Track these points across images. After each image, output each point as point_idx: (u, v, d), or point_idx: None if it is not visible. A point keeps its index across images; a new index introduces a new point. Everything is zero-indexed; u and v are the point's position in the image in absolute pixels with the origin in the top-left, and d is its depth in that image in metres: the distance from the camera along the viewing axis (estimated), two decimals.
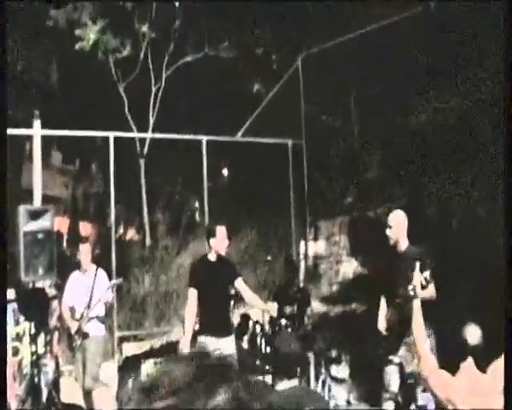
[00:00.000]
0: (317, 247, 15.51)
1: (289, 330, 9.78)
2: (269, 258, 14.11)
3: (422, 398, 8.24)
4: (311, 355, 10.20)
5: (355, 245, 14.63)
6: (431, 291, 8.02)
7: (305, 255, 15.30)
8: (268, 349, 9.76)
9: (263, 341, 9.81)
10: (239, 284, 9.07)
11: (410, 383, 8.26)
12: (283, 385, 5.44)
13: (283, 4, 15.34)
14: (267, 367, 9.52)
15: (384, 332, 8.67)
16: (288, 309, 10.41)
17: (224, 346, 8.60)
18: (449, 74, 12.85)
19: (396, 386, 8.36)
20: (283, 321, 9.83)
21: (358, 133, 15.32)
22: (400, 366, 8.35)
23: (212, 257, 9.11)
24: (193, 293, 8.94)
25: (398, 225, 8.67)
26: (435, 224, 13.02)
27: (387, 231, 8.67)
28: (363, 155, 15.16)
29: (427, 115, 13.78)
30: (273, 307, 9.46)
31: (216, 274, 9.00)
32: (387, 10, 13.49)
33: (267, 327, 10.18)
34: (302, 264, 15.24)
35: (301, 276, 14.98)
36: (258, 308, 9.32)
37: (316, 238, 15.60)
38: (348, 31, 14.18)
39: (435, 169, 13.00)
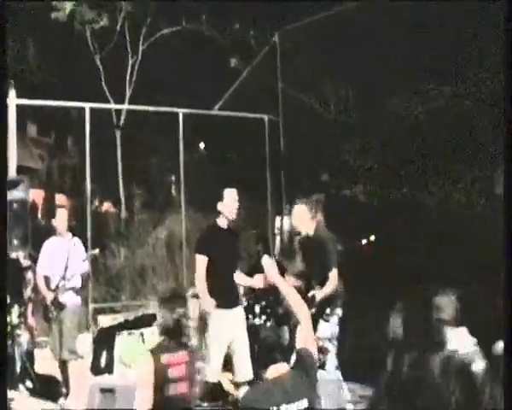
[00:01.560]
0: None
1: (263, 303, 9.84)
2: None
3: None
4: (285, 330, 10.27)
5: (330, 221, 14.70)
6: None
7: (281, 230, 15.35)
8: None
9: None
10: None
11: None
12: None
13: None
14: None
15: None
16: None
17: (235, 317, 8.52)
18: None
19: None
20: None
21: (335, 111, 15.35)
22: None
23: (221, 223, 8.49)
24: (202, 260, 8.39)
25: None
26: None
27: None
28: (340, 133, 15.20)
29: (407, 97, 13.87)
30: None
31: (227, 243, 8.52)
32: None
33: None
34: (278, 239, 15.30)
35: (276, 251, 15.05)
36: (243, 284, 9.09)
37: (291, 214, 15.64)
38: (326, 7, 14.18)
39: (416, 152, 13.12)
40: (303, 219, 9.15)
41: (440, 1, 12.61)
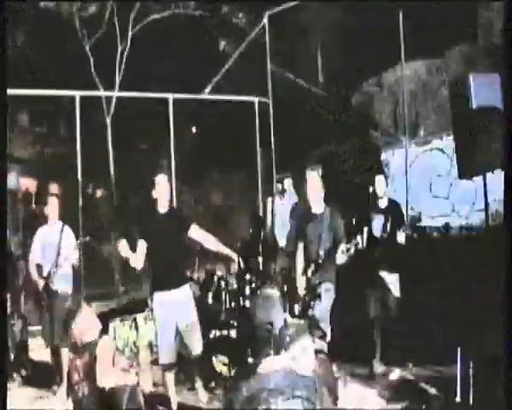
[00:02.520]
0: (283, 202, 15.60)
1: (253, 285, 9.87)
2: (234, 215, 14.16)
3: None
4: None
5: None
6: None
7: (272, 212, 15.38)
8: (233, 304, 9.84)
9: (227, 296, 9.88)
10: (193, 231, 8.83)
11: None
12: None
13: None
14: (232, 322, 9.60)
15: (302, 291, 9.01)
16: (252, 264, 10.51)
17: (178, 296, 8.62)
18: None
19: None
20: (248, 276, 9.91)
21: (324, 92, 15.40)
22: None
23: (160, 209, 8.84)
24: (142, 244, 8.70)
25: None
26: None
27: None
28: (329, 113, 15.25)
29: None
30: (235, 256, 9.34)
31: (164, 227, 8.76)
32: None
33: (232, 282, 10.24)
34: (269, 220, 15.32)
35: (267, 231, 15.08)
36: (221, 252, 9.11)
37: (282, 195, 15.68)
38: None
39: None
40: (318, 187, 9.14)
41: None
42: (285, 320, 8.74)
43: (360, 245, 8.92)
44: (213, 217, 16.54)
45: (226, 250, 8.97)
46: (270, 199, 15.33)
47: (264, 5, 15.45)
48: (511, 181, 5.87)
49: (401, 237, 9.26)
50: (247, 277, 9.94)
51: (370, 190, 9.74)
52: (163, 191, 8.72)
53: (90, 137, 14.94)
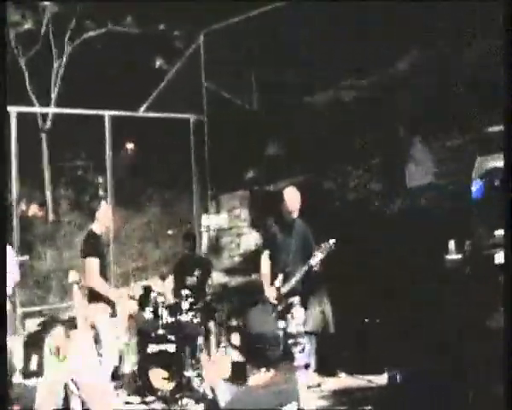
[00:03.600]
0: (218, 220, 15.78)
1: (190, 300, 10.01)
2: (170, 232, 14.27)
3: (299, 358, 8.83)
4: (212, 325, 10.50)
5: (255, 218, 14.98)
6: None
7: (208, 228, 15.56)
8: (170, 319, 9.97)
9: (165, 311, 10.02)
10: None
11: (290, 343, 8.81)
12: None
13: None
14: (170, 337, 9.74)
15: (273, 301, 9.19)
16: (188, 280, 10.65)
17: None
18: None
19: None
20: (184, 292, 10.05)
21: (259, 109, 15.60)
22: (284, 330, 8.89)
23: (97, 230, 9.66)
24: (95, 261, 9.38)
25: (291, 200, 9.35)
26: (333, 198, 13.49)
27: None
28: (264, 130, 15.45)
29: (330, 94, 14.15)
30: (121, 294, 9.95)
31: (102, 248, 9.71)
32: None
33: (169, 298, 10.39)
34: (204, 237, 15.51)
35: (203, 248, 15.25)
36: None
37: (218, 212, 15.87)
38: (251, 8, 14.42)
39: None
40: (295, 201, 9.37)
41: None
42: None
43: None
44: (149, 233, 16.64)
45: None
46: (204, 215, 15.54)
47: (200, 23, 15.63)
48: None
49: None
50: (183, 292, 10.09)
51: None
52: (106, 215, 9.35)
53: (23, 153, 14.90)
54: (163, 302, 10.14)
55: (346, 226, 11.37)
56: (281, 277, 9.22)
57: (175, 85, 15.61)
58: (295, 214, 9.37)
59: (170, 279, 11.03)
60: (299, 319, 9.11)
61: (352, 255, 10.69)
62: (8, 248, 10.34)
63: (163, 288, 10.78)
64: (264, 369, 4.84)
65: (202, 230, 15.43)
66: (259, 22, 14.32)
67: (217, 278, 12.39)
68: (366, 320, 10.12)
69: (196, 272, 10.61)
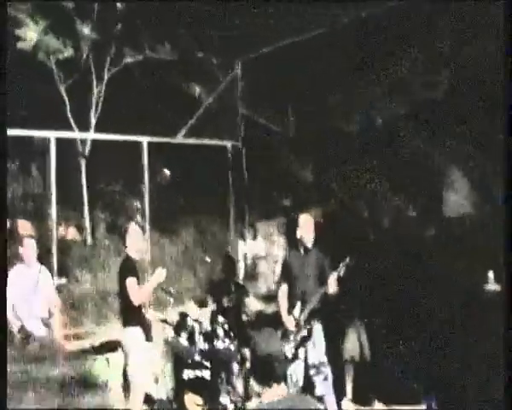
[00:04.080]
0: (255, 247, 15.80)
1: (226, 326, 10.06)
2: (208, 259, 14.29)
3: (322, 387, 8.83)
4: (247, 351, 10.51)
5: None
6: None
7: (244, 255, 15.60)
8: (206, 346, 10.02)
9: (201, 338, 10.06)
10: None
11: (312, 373, 8.84)
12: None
13: (224, 9, 15.56)
14: (205, 363, 9.78)
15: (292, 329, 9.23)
16: (225, 307, 10.70)
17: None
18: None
19: (301, 378, 8.96)
20: (220, 318, 10.09)
21: (294, 137, 15.65)
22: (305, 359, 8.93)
23: (132, 254, 9.80)
24: (134, 281, 9.54)
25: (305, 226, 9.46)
26: (369, 224, 13.45)
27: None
28: (300, 157, 15.47)
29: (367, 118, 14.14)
30: None
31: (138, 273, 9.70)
32: (331, 15, 13.82)
33: (205, 325, 10.43)
34: (241, 263, 15.54)
35: (240, 275, 15.28)
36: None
37: (254, 238, 15.90)
38: (287, 36, 14.50)
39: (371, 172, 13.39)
40: (311, 228, 9.46)
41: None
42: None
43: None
44: (185, 259, 16.68)
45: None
46: (241, 242, 15.57)
47: (238, 51, 15.75)
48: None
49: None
50: (220, 319, 10.13)
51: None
52: (138, 238, 9.29)
53: (64, 176, 15.05)
54: (199, 329, 10.19)
55: (380, 254, 11.36)
56: (298, 305, 9.26)
57: (212, 112, 15.72)
58: (310, 243, 9.45)
59: (208, 308, 11.09)
60: (320, 347, 9.14)
61: (387, 283, 10.67)
62: (44, 268, 10.46)
63: (199, 314, 10.84)
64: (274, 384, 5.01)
65: (239, 256, 15.47)
66: (296, 51, 14.40)
67: (253, 304, 12.42)
68: (402, 347, 10.08)
69: (232, 299, 10.66)
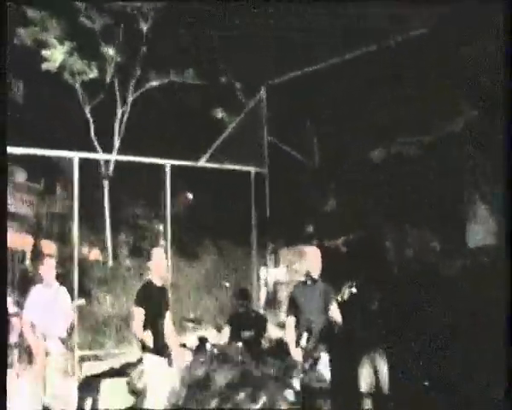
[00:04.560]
0: (277, 273, 15.72)
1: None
2: (227, 284, 14.22)
3: None
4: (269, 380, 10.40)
5: None
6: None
7: (266, 282, 15.52)
8: None
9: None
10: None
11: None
12: None
13: (249, 34, 15.60)
14: None
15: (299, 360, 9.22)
16: (245, 334, 10.61)
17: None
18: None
19: None
20: (240, 344, 10.01)
21: (319, 165, 15.59)
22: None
23: (154, 279, 9.48)
24: (139, 311, 9.26)
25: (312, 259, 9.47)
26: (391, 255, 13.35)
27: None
28: (324, 186, 15.42)
29: (390, 149, 14.08)
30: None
31: (157, 297, 9.46)
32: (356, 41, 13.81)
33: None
34: (263, 290, 15.46)
35: (261, 301, 15.20)
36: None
37: (276, 265, 15.83)
38: (314, 62, 14.48)
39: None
40: (318, 261, 9.44)
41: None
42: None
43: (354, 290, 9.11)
44: (206, 284, 16.65)
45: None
46: (263, 269, 15.50)
47: (262, 76, 15.74)
48: None
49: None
50: (239, 345, 10.06)
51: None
52: (161, 263, 9.19)
53: (87, 197, 15.10)
54: (218, 354, 10.12)
55: (402, 285, 11.26)
56: (305, 336, 9.23)
57: (236, 137, 15.69)
58: (316, 275, 9.44)
59: (225, 331, 10.98)
60: (324, 375, 9.10)
61: (409, 315, 10.56)
62: (63, 288, 10.47)
63: (218, 339, 10.75)
64: None
65: (261, 283, 15.40)
66: (321, 76, 14.36)
67: (274, 332, 12.32)
68: (426, 384, 9.96)
69: (252, 328, 10.60)
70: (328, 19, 14.25)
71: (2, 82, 7.24)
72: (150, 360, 9.27)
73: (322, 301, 9.45)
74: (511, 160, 6.00)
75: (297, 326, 9.55)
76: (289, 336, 9.60)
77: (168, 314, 9.56)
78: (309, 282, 9.62)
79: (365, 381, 9.88)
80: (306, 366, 9.18)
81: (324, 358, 9.32)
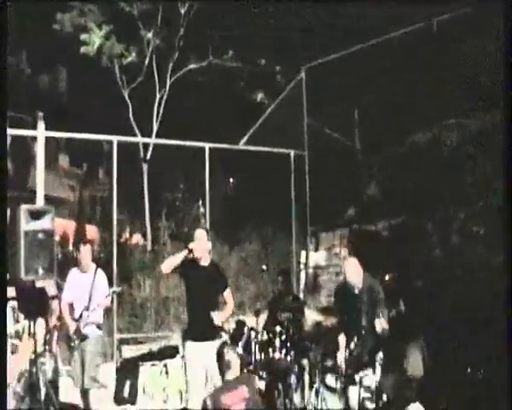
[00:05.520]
0: (317, 258, 15.61)
1: (284, 337, 9.87)
2: (264, 267, 14.10)
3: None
4: (305, 363, 10.29)
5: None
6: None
7: (306, 266, 15.41)
8: (262, 356, 9.86)
9: (257, 347, 9.90)
10: (226, 296, 9.09)
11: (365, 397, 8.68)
12: None
13: (288, 17, 15.50)
14: (261, 373, 9.62)
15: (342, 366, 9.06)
16: (282, 317, 10.51)
17: (212, 348, 8.65)
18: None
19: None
20: (278, 328, 9.92)
21: (361, 148, 15.44)
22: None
23: (200, 261, 8.97)
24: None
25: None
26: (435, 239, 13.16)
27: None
28: (364, 169, 15.27)
29: (433, 133, 13.90)
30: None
31: (205, 279, 8.92)
32: (392, 24, 13.65)
33: (262, 334, 10.25)
34: (302, 274, 15.36)
35: (301, 286, 15.11)
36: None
37: (316, 249, 15.72)
38: (352, 44, 14.33)
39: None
40: (358, 270, 9.25)
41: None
42: None
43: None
44: (246, 269, 16.58)
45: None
46: (303, 252, 15.38)
47: (302, 59, 15.60)
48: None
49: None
50: (277, 329, 9.95)
51: None
52: (203, 245, 8.90)
53: (128, 181, 15.10)
54: (255, 338, 10.04)
55: (446, 273, 11.09)
56: (355, 341, 9.06)
57: (276, 120, 15.55)
58: (359, 283, 9.22)
59: (264, 315, 10.89)
60: (369, 387, 8.92)
61: (452, 303, 10.41)
62: (100, 273, 10.46)
63: (256, 324, 10.65)
64: None
65: (301, 267, 15.30)
66: (361, 59, 14.20)
67: (313, 316, 12.23)
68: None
69: (291, 310, 10.49)
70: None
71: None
72: (193, 346, 9.05)
73: (369, 305, 9.24)
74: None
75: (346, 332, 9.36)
76: (340, 339, 9.39)
77: (228, 292, 9.21)
78: (354, 290, 9.40)
79: (412, 366, 9.74)
80: (349, 372, 9.04)
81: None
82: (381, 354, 8.85)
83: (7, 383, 7.43)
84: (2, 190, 7.08)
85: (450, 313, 10.35)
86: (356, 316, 9.09)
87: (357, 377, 8.81)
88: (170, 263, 8.87)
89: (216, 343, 8.77)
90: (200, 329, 8.78)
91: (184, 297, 9.27)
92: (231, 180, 22.24)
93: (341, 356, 9.11)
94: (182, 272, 8.96)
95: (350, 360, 8.99)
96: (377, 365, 8.84)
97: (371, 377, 8.78)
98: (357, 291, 9.21)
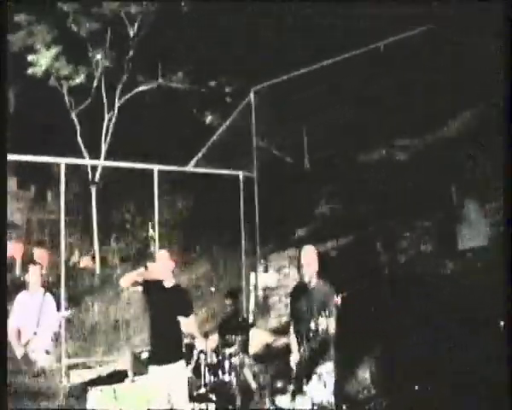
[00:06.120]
0: (267, 279, 15.57)
1: (233, 359, 9.84)
2: (212, 289, 14.07)
3: None
4: (254, 386, 10.25)
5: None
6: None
7: (255, 287, 15.36)
8: (212, 378, 9.80)
9: (207, 370, 9.84)
10: (191, 322, 8.94)
11: None
12: None
13: (237, 39, 15.52)
14: (211, 396, 9.56)
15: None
16: (232, 340, 10.47)
17: (174, 371, 8.57)
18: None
19: None
20: (227, 351, 9.89)
21: (310, 168, 15.48)
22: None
23: (166, 283, 8.80)
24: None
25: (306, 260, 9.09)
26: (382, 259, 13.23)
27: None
28: (313, 189, 15.31)
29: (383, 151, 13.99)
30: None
31: (169, 301, 8.77)
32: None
33: (211, 357, 10.19)
34: (252, 295, 15.31)
35: (251, 307, 15.06)
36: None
37: (266, 270, 15.68)
38: (302, 65, 14.39)
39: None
40: (315, 259, 9.08)
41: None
42: None
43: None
44: (196, 290, 16.51)
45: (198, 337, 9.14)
46: (253, 274, 15.34)
47: (251, 80, 15.62)
48: None
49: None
50: (227, 351, 9.92)
51: None
52: (164, 266, 8.79)
53: (75, 204, 14.96)
54: (205, 360, 9.98)
55: (395, 289, 11.15)
56: (303, 344, 9.01)
57: (225, 141, 15.55)
58: (313, 277, 9.12)
59: (213, 337, 10.83)
60: (329, 387, 8.87)
61: (400, 318, 10.46)
62: (49, 296, 10.29)
63: (206, 346, 10.57)
64: None
65: (250, 288, 15.25)
66: (310, 80, 14.25)
67: (260, 338, 12.19)
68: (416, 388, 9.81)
69: (240, 332, 10.45)
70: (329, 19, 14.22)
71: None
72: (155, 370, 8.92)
73: (322, 305, 9.16)
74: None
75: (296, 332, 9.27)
76: (291, 342, 9.31)
77: (192, 318, 9.09)
78: (306, 285, 9.29)
79: (360, 383, 9.75)
80: (304, 373, 8.96)
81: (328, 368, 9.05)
82: (330, 365, 8.79)
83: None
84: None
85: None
86: (308, 316, 9.02)
87: (306, 388, 8.74)
88: (129, 277, 8.76)
89: (180, 365, 8.70)
90: (162, 352, 8.66)
91: (147, 318, 9.10)
92: (181, 202, 22.15)
93: (294, 358, 9.02)
94: (144, 290, 8.85)
95: (301, 363, 8.92)
96: (325, 375, 8.79)
97: (322, 391, 8.72)
98: (310, 286, 9.09)
